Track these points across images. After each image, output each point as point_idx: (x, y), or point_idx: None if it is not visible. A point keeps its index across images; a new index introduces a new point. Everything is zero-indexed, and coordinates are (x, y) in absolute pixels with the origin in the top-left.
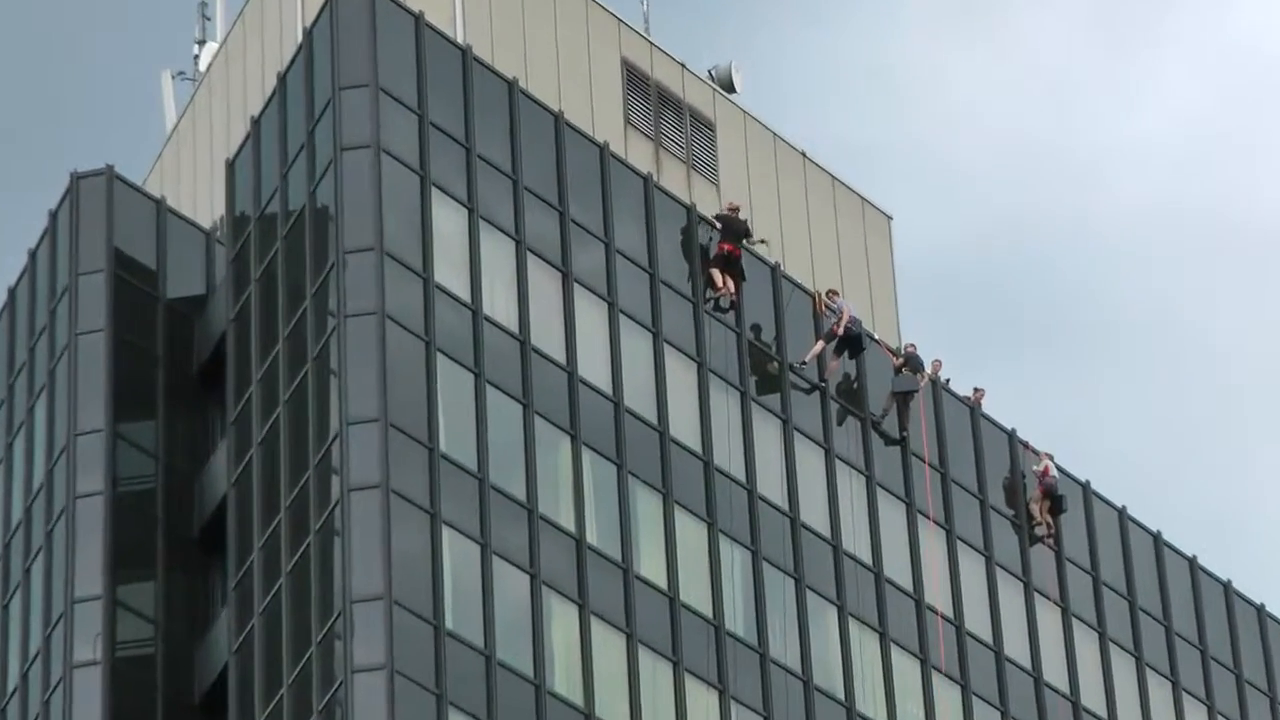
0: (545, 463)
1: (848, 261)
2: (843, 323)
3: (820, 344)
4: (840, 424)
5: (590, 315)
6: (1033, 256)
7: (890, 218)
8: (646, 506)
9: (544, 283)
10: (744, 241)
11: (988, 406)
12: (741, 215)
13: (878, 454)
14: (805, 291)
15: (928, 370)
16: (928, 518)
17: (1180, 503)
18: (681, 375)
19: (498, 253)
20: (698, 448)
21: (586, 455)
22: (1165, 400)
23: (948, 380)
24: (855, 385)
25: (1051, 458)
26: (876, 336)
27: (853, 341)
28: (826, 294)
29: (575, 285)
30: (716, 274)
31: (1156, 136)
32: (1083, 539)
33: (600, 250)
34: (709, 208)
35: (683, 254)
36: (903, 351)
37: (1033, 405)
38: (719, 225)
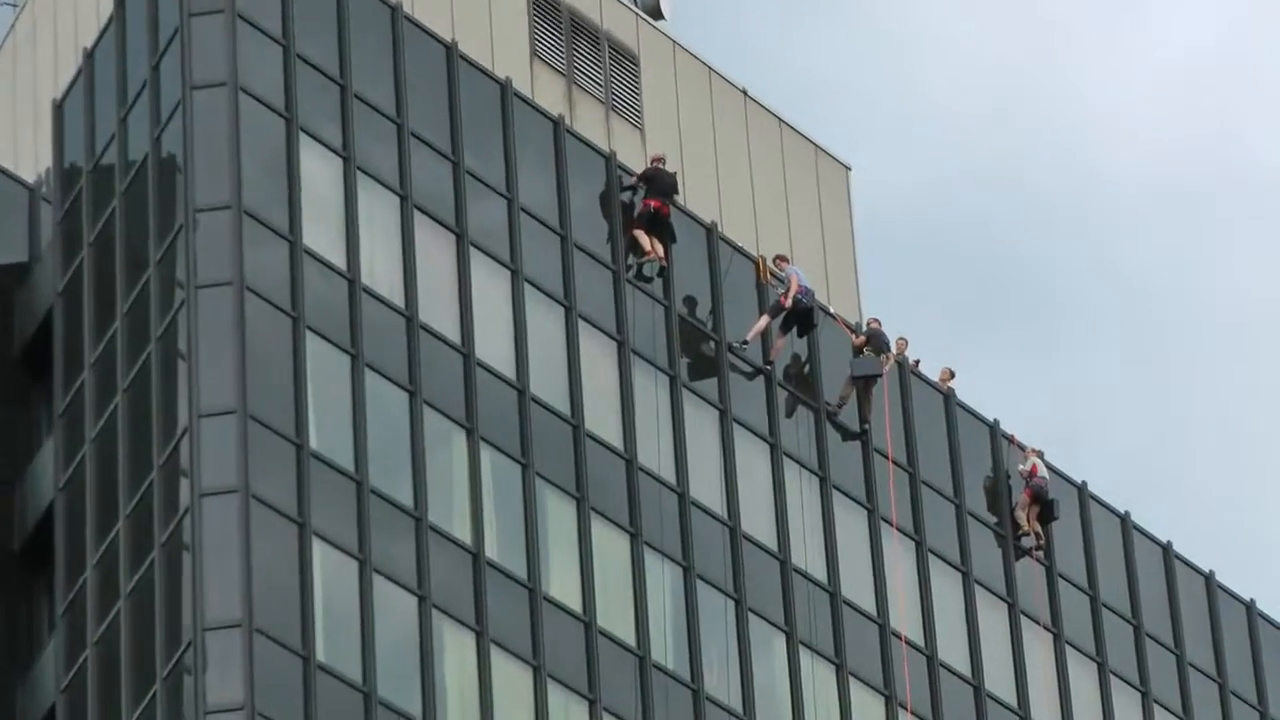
0: (436, 462)
1: (798, 220)
2: (791, 294)
3: (764, 319)
4: (789, 415)
5: (489, 285)
6: (1017, 215)
7: (848, 168)
8: (558, 514)
9: (434, 246)
10: (672, 199)
11: (963, 393)
12: (671, 168)
13: (834, 451)
14: (747, 257)
15: (893, 350)
16: (893, 526)
17: (1195, 507)
18: (599, 357)
19: (379, 210)
20: (619, 444)
21: (485, 453)
22: (1175, 385)
23: (917, 362)
24: (807, 369)
25: (1041, 455)
26: (832, 310)
27: (803, 316)
28: (774, 260)
29: (471, 249)
30: (641, 235)
31: (1163, 70)
32: (1079, 551)
33: (502, 207)
34: (632, 156)
35: (600, 212)
36: (864, 328)
37: (1017, 391)
38: (640, 181)
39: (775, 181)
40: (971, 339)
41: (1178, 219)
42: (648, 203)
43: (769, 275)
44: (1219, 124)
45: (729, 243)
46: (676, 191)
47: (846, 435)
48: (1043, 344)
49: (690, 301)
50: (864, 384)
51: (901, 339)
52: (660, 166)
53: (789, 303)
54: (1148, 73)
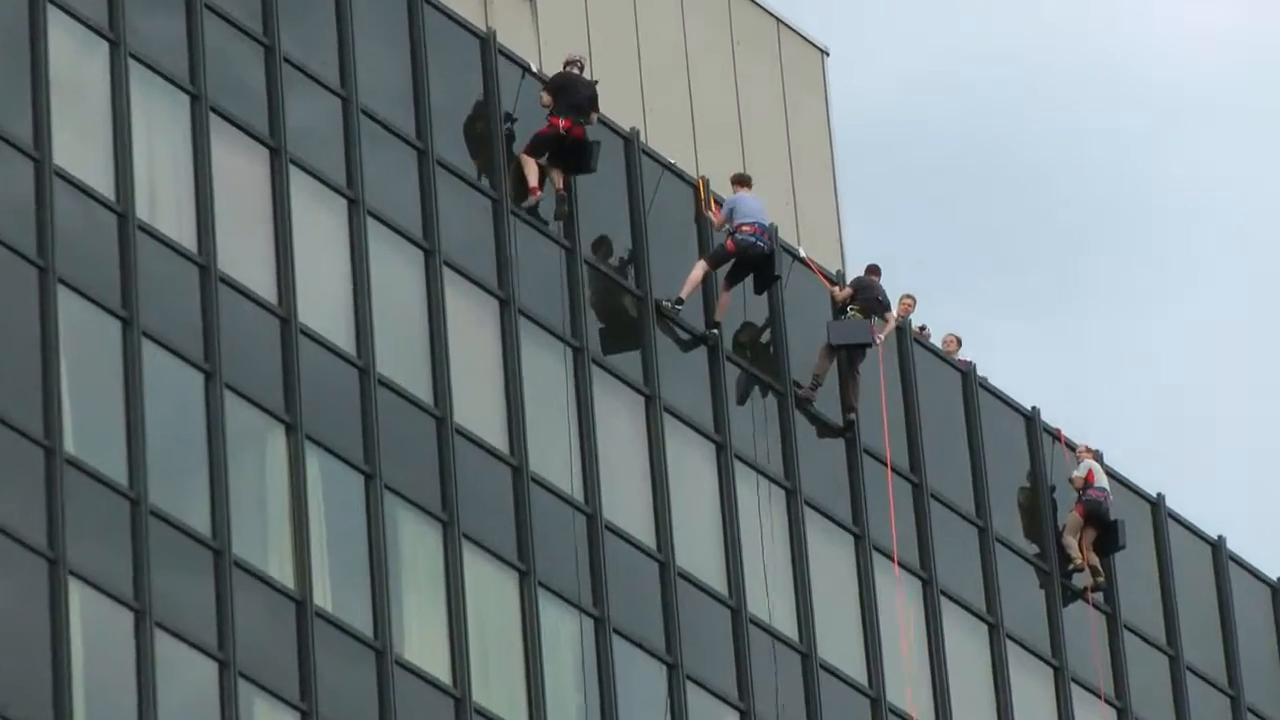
0: (243, 471)
1: (755, 126)
2: (741, 232)
3: (701, 267)
4: (742, 402)
5: (319, 219)
6: (1044, 118)
7: (825, 53)
8: (417, 543)
9: (239, 165)
10: (589, 118)
11: (980, 366)
12: (590, 76)
13: (807, 451)
14: (682, 178)
15: (893, 312)
16: (892, 558)
17: None
18: (473, 321)
19: (161, 114)
20: (502, 444)
21: (313, 457)
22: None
23: (923, 329)
24: (767, 336)
25: (1099, 457)
26: (803, 253)
27: (759, 264)
28: (732, 184)
29: (292, 169)
30: (530, 165)
31: None
32: (1154, 593)
33: (334, 109)
34: (519, 38)
35: (474, 117)
36: (845, 281)
37: (1054, 362)
38: (546, 87)
39: (723, 72)
40: (988, 287)
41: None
42: (555, 121)
43: (712, 205)
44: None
45: (656, 158)
46: (595, 108)
47: (824, 430)
48: (1087, 292)
49: (603, 244)
50: (848, 357)
51: (908, 297)
52: (575, 72)
53: (734, 245)
54: None
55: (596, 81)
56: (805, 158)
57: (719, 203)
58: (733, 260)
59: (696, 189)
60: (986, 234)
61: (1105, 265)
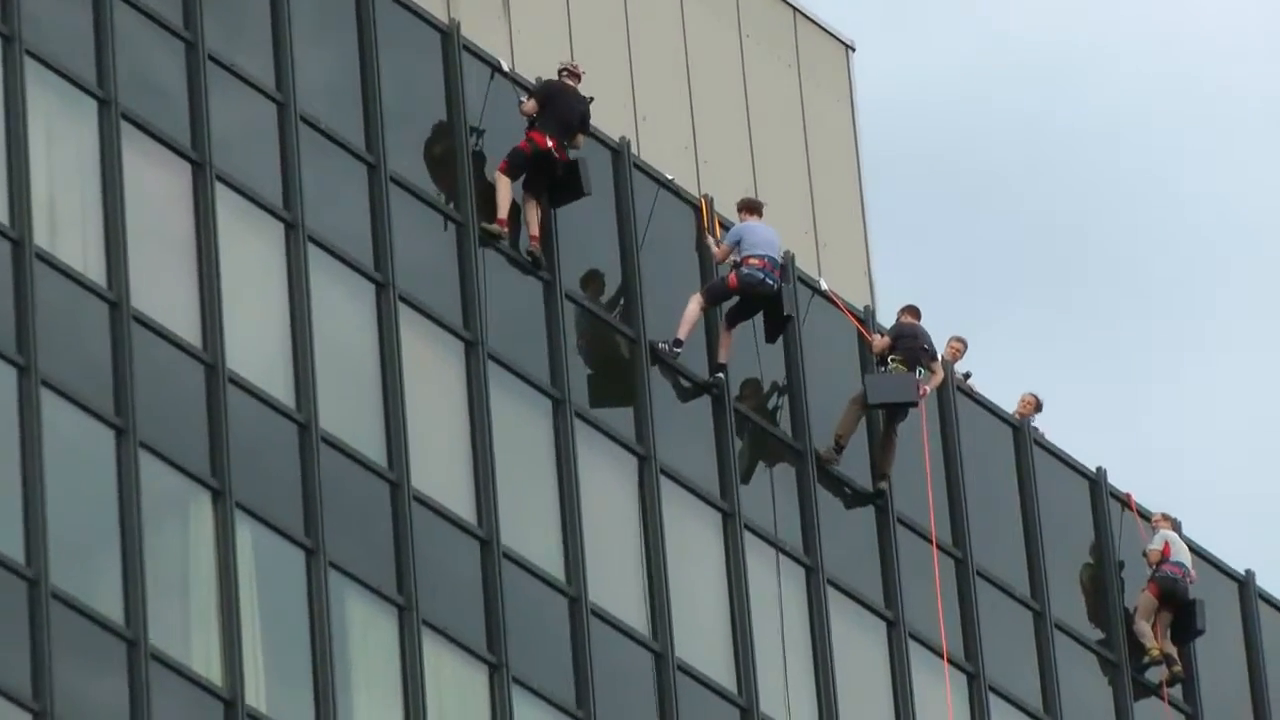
0: (163, 543)
1: (768, 133)
2: (748, 266)
3: (696, 303)
4: (753, 462)
5: (248, 241)
6: (1112, 121)
7: (851, 48)
8: (368, 630)
9: (155, 181)
10: (575, 141)
11: (999, 392)
12: (587, 91)
13: (829, 522)
14: (681, 197)
15: (939, 360)
16: (929, 648)
17: None
18: (434, 362)
19: (63, 121)
20: (467, 513)
21: (245, 528)
22: None
23: (968, 376)
24: (782, 385)
25: (1177, 527)
26: (825, 286)
27: (767, 306)
28: (739, 210)
29: (219, 187)
30: (503, 186)
31: None
32: (1241, 686)
33: (267, 113)
34: (487, 32)
35: (438, 125)
36: (874, 317)
37: (1123, 417)
38: (532, 94)
39: (729, 72)
40: (1043, 327)
41: None
42: (536, 137)
43: (719, 229)
44: None
45: (650, 173)
46: (586, 127)
47: (851, 496)
48: (1155, 338)
49: (588, 275)
50: (887, 417)
51: (956, 340)
52: (567, 81)
53: (737, 280)
54: None
55: (592, 99)
56: (827, 173)
57: (725, 227)
58: (735, 298)
59: (698, 210)
60: (1040, 263)
61: (1183, 305)
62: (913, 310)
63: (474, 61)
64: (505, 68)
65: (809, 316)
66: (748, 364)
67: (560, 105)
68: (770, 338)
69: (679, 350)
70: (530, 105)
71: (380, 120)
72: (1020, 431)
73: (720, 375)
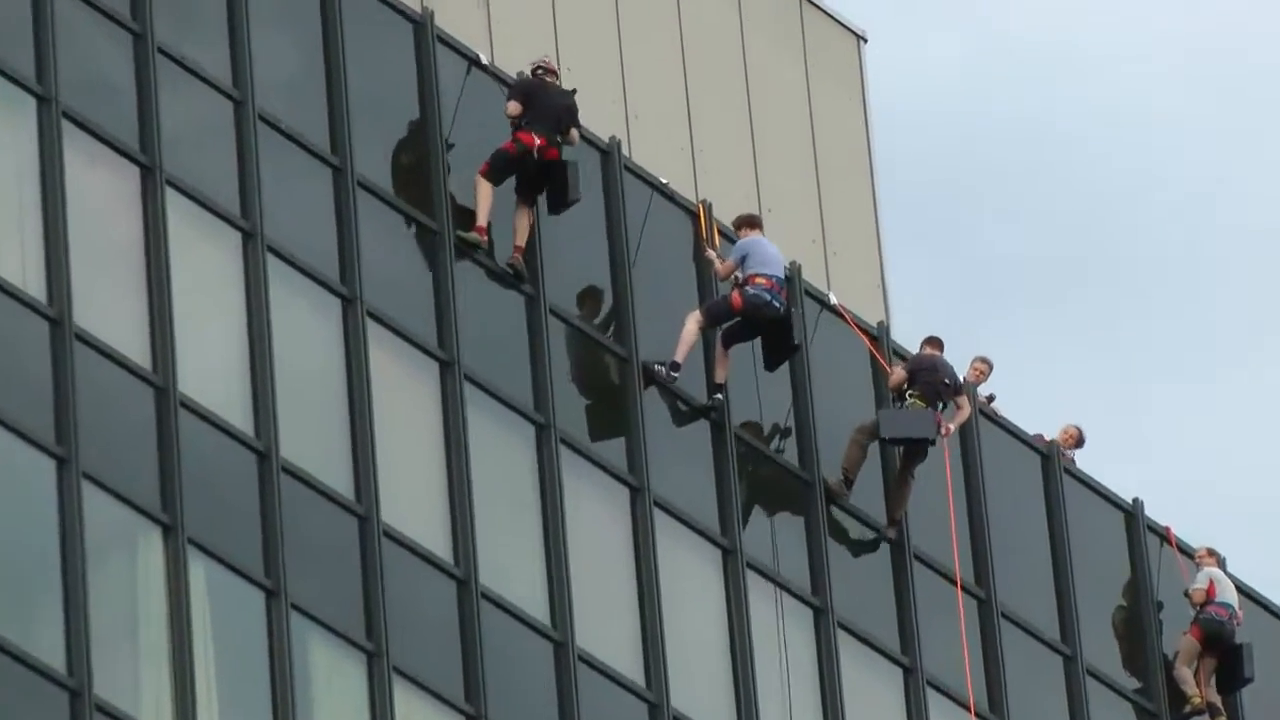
0: (108, 584)
1: (773, 132)
2: (754, 285)
3: (695, 320)
4: (756, 494)
5: (205, 259)
6: (1145, 121)
7: (863, 39)
8: (333, 679)
9: (100, 186)
10: (569, 136)
11: (1025, 416)
12: (569, 85)
13: (839, 558)
14: (676, 203)
15: (964, 381)
16: (949, 696)
17: None
18: (408, 389)
19: (4, 117)
20: (444, 551)
21: (199, 566)
22: None
23: (991, 399)
24: (787, 409)
25: (1222, 564)
26: (834, 300)
27: (772, 329)
28: (738, 227)
29: (170, 193)
30: (484, 190)
31: None
32: None
33: (222, 111)
34: (468, 26)
35: (411, 124)
36: (888, 336)
37: (1162, 443)
38: (512, 93)
39: (729, 65)
40: (1073, 343)
41: None
42: (523, 137)
43: (719, 239)
44: None
45: (643, 176)
46: (575, 123)
47: (864, 534)
48: (1197, 356)
49: (575, 289)
50: (903, 455)
51: (980, 361)
52: (544, 75)
53: (741, 299)
54: None
55: (574, 91)
56: (837, 175)
57: (726, 235)
58: (737, 319)
59: (696, 217)
60: (1076, 276)
61: (1234, 323)
62: (934, 341)
63: (450, 54)
64: (484, 61)
65: (817, 333)
66: (749, 386)
67: (544, 100)
68: (771, 365)
69: (676, 375)
70: (513, 107)
71: (347, 119)
72: (1049, 459)
73: (719, 396)
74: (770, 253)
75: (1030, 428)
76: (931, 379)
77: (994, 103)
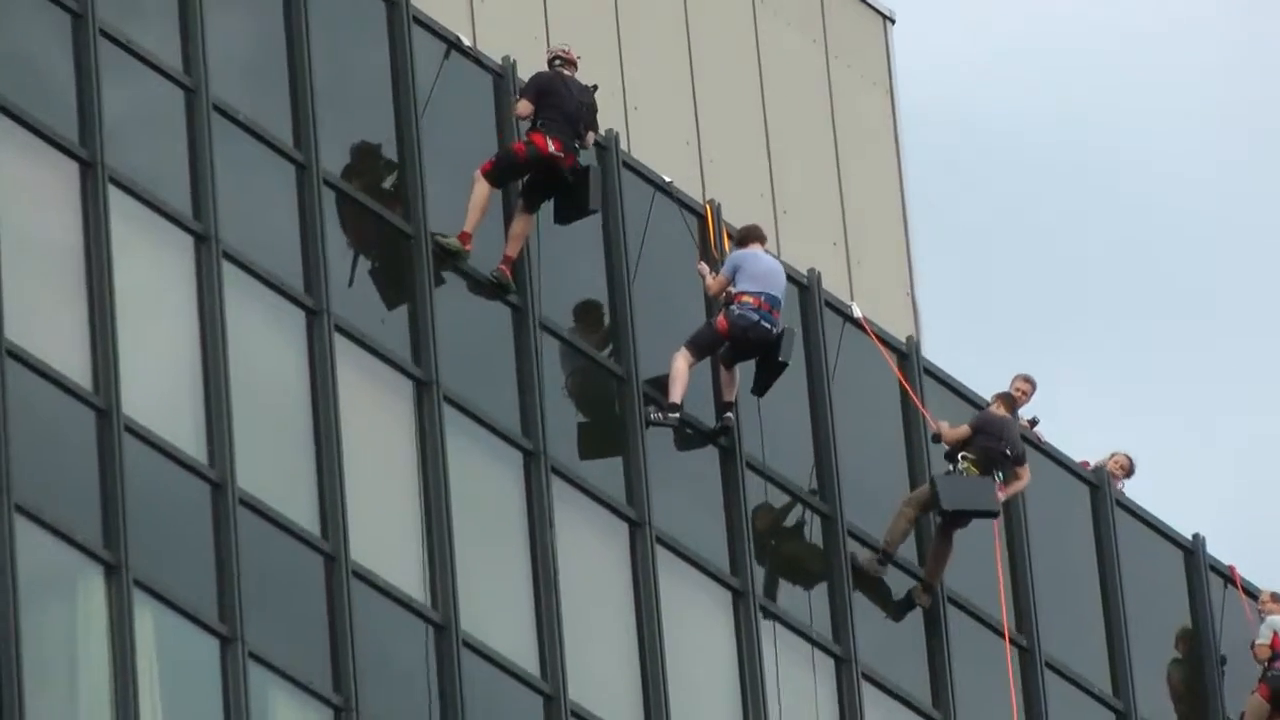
0: (45, 630)
1: (789, 125)
2: (740, 304)
3: (684, 357)
4: (771, 529)
5: (153, 266)
6: (1200, 121)
7: (890, 20)
8: None
9: (35, 184)
10: (585, 140)
11: (1072, 442)
12: (590, 81)
13: (865, 605)
14: (681, 202)
15: (1027, 465)
16: None
17: None
18: (380, 412)
19: None
20: (419, 593)
21: (146, 610)
22: None
23: (1034, 423)
24: (805, 431)
25: None
26: (858, 313)
27: (763, 351)
28: (737, 242)
29: (114, 191)
30: (479, 200)
31: None
32: None
33: (172, 100)
34: (447, 6)
35: (389, 116)
36: (918, 350)
37: (1224, 472)
38: (523, 92)
39: (740, 50)
40: (1123, 363)
41: None
42: (537, 140)
43: (727, 243)
44: None
45: (643, 173)
46: (594, 122)
47: (891, 573)
48: (1262, 376)
49: (568, 299)
50: (946, 521)
51: (1024, 380)
52: (561, 67)
53: (728, 325)
54: None
55: (595, 87)
56: (861, 172)
57: (733, 237)
58: (725, 344)
59: (703, 219)
60: (1125, 285)
61: None
62: (1006, 400)
63: (427, 36)
64: (465, 44)
65: (841, 350)
66: (762, 407)
67: (559, 99)
68: (760, 390)
69: (676, 415)
70: (524, 106)
71: (312, 109)
72: (1099, 489)
73: (729, 417)
74: (763, 266)
75: (1074, 455)
76: (992, 446)
77: (1041, 91)
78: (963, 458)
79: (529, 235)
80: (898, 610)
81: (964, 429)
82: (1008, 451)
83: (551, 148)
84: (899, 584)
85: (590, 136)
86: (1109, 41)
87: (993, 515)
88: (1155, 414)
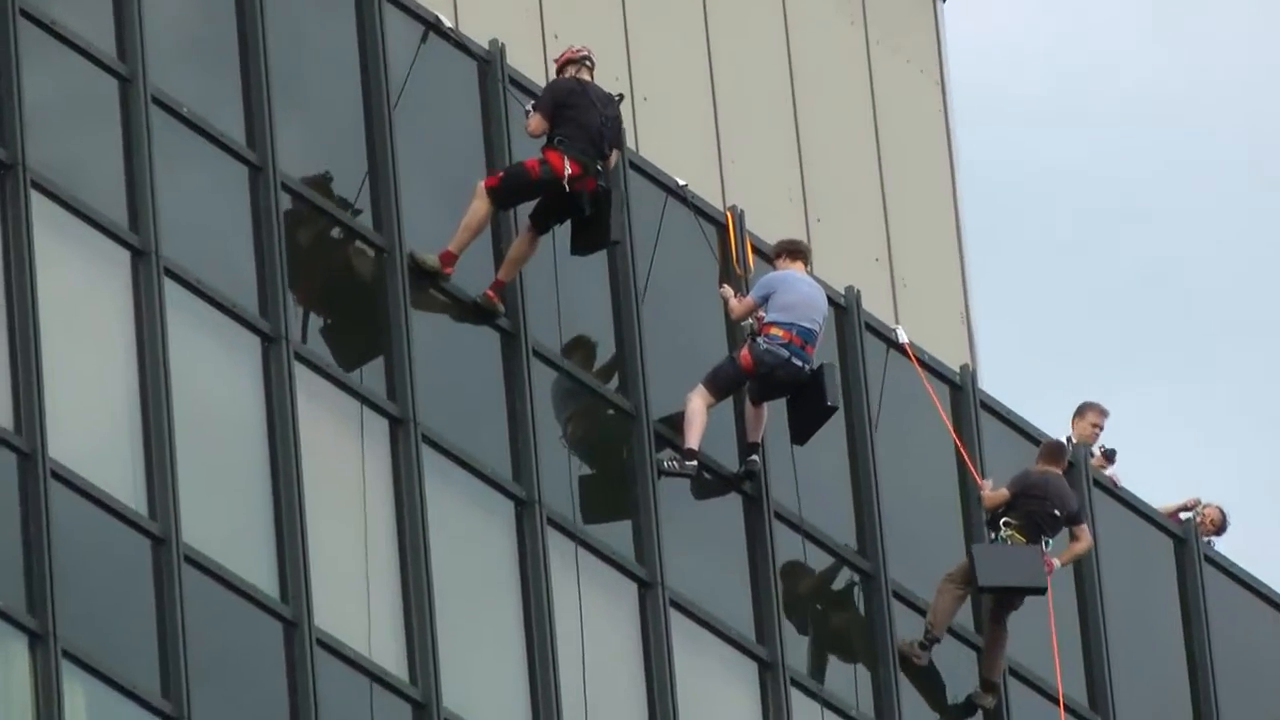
0: None
1: (823, 121)
2: (767, 337)
3: (702, 396)
4: (803, 589)
5: (85, 285)
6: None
7: None
8: None
9: None
10: (609, 160)
11: (1152, 488)
12: (616, 91)
13: (910, 682)
14: (700, 212)
15: (1085, 526)
16: None
17: None
18: (348, 454)
19: None
20: (396, 665)
21: (77, 683)
22: None
23: (1108, 457)
24: (838, 479)
25: None
26: (903, 337)
27: (797, 390)
28: (776, 256)
29: (37, 198)
30: (475, 218)
31: None
32: None
33: (104, 91)
34: None
35: (357, 109)
36: (981, 402)
37: None
38: (537, 103)
39: (764, 36)
40: (1207, 392)
41: None
42: (552, 158)
43: (751, 257)
44: None
45: (655, 178)
46: (620, 139)
47: (933, 641)
48: None
49: (568, 326)
50: (997, 602)
51: (1095, 412)
52: (580, 73)
53: (752, 361)
54: None
55: (620, 96)
56: (907, 174)
57: (760, 253)
58: (747, 381)
59: (723, 229)
60: (1216, 306)
61: None
62: (1055, 453)
63: (401, 16)
64: (446, 25)
65: (885, 383)
66: (784, 444)
67: (580, 112)
68: (799, 438)
69: (693, 464)
70: (536, 122)
71: (267, 102)
72: (1185, 543)
73: (755, 459)
74: (801, 294)
75: (1155, 504)
76: (1038, 509)
77: (1116, 80)
78: (1005, 524)
79: (528, 260)
80: (948, 684)
81: (1003, 492)
82: (1056, 512)
83: (569, 170)
84: (950, 659)
85: (615, 156)
86: (1194, 10)
87: (1039, 592)
88: (1252, 458)
